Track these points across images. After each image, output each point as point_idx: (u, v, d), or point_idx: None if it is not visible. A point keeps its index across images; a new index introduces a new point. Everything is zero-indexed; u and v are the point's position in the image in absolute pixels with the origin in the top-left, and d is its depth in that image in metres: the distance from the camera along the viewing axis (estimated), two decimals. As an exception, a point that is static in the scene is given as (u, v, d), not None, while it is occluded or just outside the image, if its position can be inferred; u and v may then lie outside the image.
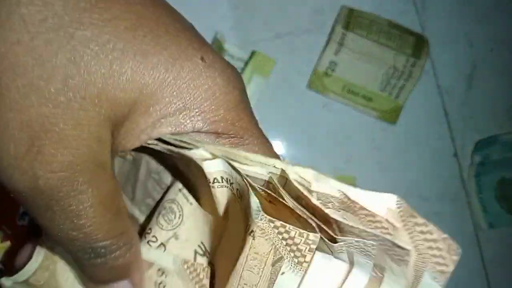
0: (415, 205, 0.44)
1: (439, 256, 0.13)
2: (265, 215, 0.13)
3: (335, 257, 0.14)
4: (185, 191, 0.17)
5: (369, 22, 0.43)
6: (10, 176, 0.13)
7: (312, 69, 0.44)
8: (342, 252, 0.14)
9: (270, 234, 0.13)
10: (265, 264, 0.13)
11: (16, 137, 0.12)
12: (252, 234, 0.13)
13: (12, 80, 0.12)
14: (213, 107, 0.15)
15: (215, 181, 0.15)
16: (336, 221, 0.13)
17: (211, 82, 0.15)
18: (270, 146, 0.17)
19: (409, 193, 0.46)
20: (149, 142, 0.15)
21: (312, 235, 0.13)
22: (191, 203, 0.17)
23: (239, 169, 0.14)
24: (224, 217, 0.16)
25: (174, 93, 0.15)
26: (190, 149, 0.15)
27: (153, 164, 0.18)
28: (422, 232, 0.13)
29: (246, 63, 0.42)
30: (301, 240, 0.13)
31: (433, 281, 0.13)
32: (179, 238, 0.17)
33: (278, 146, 0.44)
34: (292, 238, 0.13)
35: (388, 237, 0.13)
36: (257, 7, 0.44)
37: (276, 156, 0.16)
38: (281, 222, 0.13)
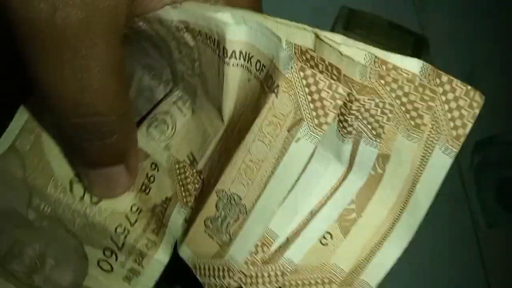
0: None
1: (458, 118, 0.13)
2: (297, 62, 0.12)
3: (336, 157, 0.13)
4: (180, 103, 0.16)
5: (369, 23, 0.43)
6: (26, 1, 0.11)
7: (312, 69, 0.44)
8: (349, 138, 0.13)
9: (297, 88, 0.12)
10: (280, 129, 0.13)
11: None
12: (276, 90, 0.12)
13: None
14: None
15: (233, 55, 0.14)
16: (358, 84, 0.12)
17: None
18: None
19: (408, 193, 0.46)
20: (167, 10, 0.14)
21: (341, 88, 0.12)
22: (185, 115, 0.16)
23: (266, 29, 0.13)
24: (232, 114, 0.15)
25: None
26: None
27: (146, 81, 0.17)
28: (444, 93, 0.12)
29: (246, 63, 0.42)
30: (329, 94, 0.12)
31: (444, 154, 0.13)
32: (170, 149, 0.16)
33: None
34: (319, 91, 0.12)
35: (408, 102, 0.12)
36: (257, 7, 0.44)
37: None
38: (312, 70, 0.12)
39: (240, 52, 0.14)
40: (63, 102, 0.13)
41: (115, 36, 0.13)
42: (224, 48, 0.13)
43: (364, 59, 0.12)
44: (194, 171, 0.16)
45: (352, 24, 0.43)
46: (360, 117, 0.12)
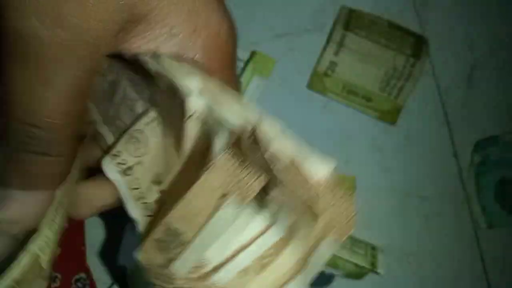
0: (414, 204, 0.45)
1: (340, 227, 0.15)
2: (232, 149, 0.15)
3: (260, 212, 0.16)
4: (153, 124, 0.18)
5: (369, 23, 0.43)
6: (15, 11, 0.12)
7: (312, 69, 0.44)
8: (271, 206, 0.16)
9: (228, 169, 0.15)
10: (212, 197, 0.15)
11: None
12: (209, 168, 0.15)
13: None
14: (217, 47, 0.16)
15: (191, 116, 0.16)
16: (274, 178, 0.15)
17: (226, 26, 0.16)
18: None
19: (408, 193, 0.46)
20: (150, 58, 0.16)
21: (261, 179, 0.15)
22: (156, 138, 0.18)
23: (218, 112, 0.15)
24: (188, 155, 0.17)
25: (191, 13, 0.15)
26: (183, 78, 0.16)
27: (130, 92, 0.18)
28: (335, 205, 0.15)
29: (246, 63, 0.42)
30: (252, 179, 0.15)
31: (328, 248, 0.15)
32: (143, 165, 0.18)
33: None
34: (245, 175, 0.15)
35: (309, 201, 0.15)
36: (257, 7, 0.44)
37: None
38: (241, 160, 0.15)
39: (198, 115, 0.16)
40: (15, 103, 0.13)
41: (92, 64, 0.14)
42: (185, 109, 0.16)
43: (286, 156, 0.14)
44: (158, 189, 0.19)
45: (352, 24, 0.43)
46: (277, 198, 0.15)
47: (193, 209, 0.16)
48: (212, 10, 0.16)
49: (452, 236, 0.47)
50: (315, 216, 0.15)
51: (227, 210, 0.15)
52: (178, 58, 0.16)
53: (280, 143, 0.15)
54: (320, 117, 0.45)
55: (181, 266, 0.17)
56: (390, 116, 0.44)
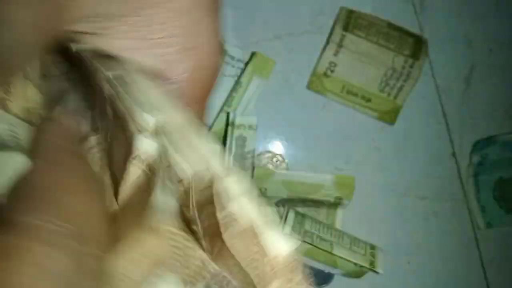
0: (413, 204, 0.45)
1: None
2: (169, 223, 0.13)
3: None
4: (94, 150, 0.16)
5: (368, 23, 0.43)
6: None
7: (312, 70, 0.44)
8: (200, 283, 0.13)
9: (167, 239, 0.13)
10: (146, 265, 0.13)
11: None
12: (146, 231, 0.13)
13: None
14: (203, 75, 0.15)
15: (137, 158, 0.14)
16: (223, 243, 0.12)
17: (217, 56, 0.15)
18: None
19: (407, 193, 0.46)
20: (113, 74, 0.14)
21: (202, 253, 0.13)
22: (95, 166, 0.16)
23: (170, 159, 0.13)
24: (124, 203, 0.15)
25: (190, 28, 0.14)
26: (141, 108, 0.13)
27: (75, 108, 0.17)
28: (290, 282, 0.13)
29: (246, 64, 0.43)
30: (191, 256, 0.13)
31: None
32: None
33: (278, 146, 0.45)
34: (183, 251, 0.13)
35: (259, 285, 0.12)
36: (257, 8, 0.44)
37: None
38: (183, 230, 0.13)
39: (144, 160, 0.14)
40: None
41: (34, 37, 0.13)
42: (132, 148, 0.13)
43: (245, 220, 0.12)
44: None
45: (351, 25, 0.43)
46: (218, 273, 0.13)
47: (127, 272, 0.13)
48: (210, 35, 0.15)
49: (451, 235, 0.47)
50: None
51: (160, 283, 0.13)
52: (158, 75, 0.14)
53: (243, 204, 0.12)
54: (319, 117, 0.45)
55: None
56: (389, 116, 0.44)
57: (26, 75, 0.14)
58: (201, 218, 0.13)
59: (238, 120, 0.40)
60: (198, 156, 0.13)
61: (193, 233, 0.13)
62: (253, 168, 0.41)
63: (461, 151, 0.46)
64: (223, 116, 0.42)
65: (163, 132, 0.13)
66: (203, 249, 0.13)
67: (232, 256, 0.12)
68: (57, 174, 0.12)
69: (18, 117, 0.14)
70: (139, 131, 0.13)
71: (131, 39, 0.14)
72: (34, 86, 0.14)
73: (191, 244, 0.13)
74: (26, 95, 0.14)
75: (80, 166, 0.14)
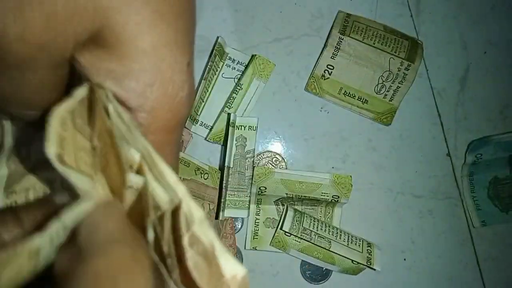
0: (409, 203, 0.46)
1: None
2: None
3: None
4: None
5: (365, 27, 0.43)
6: None
7: (310, 72, 0.44)
8: None
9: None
10: None
11: None
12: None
13: None
14: (170, 108, 0.15)
15: (130, 188, 0.14)
16: (187, 266, 0.13)
17: (187, 91, 0.15)
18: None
19: (403, 192, 0.46)
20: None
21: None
22: None
23: (148, 185, 0.14)
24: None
25: (160, 63, 0.14)
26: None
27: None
28: None
29: (247, 66, 0.43)
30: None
31: None
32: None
33: (277, 146, 0.45)
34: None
35: None
36: (257, 11, 0.44)
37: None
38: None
39: (135, 190, 0.14)
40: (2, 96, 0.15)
41: (58, 68, 0.14)
42: (125, 179, 0.14)
43: (207, 241, 0.13)
44: None
45: (349, 29, 0.43)
46: None
47: None
48: (179, 70, 0.15)
49: (446, 233, 0.47)
50: None
51: None
52: (123, 105, 0.14)
53: (202, 228, 0.13)
54: (317, 118, 0.45)
55: None
56: (385, 117, 0.45)
57: (74, 124, 0.14)
58: (167, 242, 0.13)
59: (238, 121, 0.41)
60: (167, 184, 0.13)
61: (165, 264, 0.14)
62: (253, 169, 0.42)
63: (456, 151, 0.47)
64: (224, 117, 0.43)
65: (145, 164, 0.14)
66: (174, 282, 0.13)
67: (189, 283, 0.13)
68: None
69: (79, 171, 0.14)
70: (130, 168, 0.14)
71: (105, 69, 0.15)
72: (81, 134, 0.15)
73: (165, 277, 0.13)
74: (77, 144, 0.14)
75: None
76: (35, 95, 0.15)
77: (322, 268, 0.45)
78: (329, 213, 0.45)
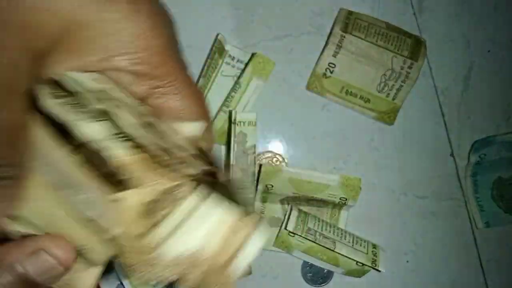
0: (412, 204, 0.45)
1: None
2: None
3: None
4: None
5: (367, 25, 0.43)
6: None
7: (311, 70, 0.44)
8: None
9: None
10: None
11: None
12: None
13: None
14: (136, 49, 0.16)
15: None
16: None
17: (135, 26, 0.16)
18: (196, 92, 0.18)
19: (406, 192, 0.46)
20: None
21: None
22: None
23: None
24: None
25: (100, 32, 0.15)
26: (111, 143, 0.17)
27: None
28: None
29: (246, 65, 0.43)
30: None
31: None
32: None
33: (278, 146, 0.45)
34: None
35: None
36: (257, 9, 0.44)
37: (200, 105, 0.18)
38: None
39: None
40: None
41: (11, 101, 0.14)
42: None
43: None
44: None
45: (351, 26, 0.43)
46: None
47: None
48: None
49: (449, 234, 0.47)
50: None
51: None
52: (102, 67, 0.17)
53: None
54: (319, 117, 0.45)
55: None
56: (388, 116, 0.44)
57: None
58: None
59: (238, 117, 0.40)
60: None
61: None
62: (255, 165, 0.41)
63: (459, 151, 0.46)
64: (222, 116, 0.42)
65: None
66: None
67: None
68: None
69: None
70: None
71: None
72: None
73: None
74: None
75: None
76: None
77: (323, 270, 0.44)
78: (335, 215, 0.45)
